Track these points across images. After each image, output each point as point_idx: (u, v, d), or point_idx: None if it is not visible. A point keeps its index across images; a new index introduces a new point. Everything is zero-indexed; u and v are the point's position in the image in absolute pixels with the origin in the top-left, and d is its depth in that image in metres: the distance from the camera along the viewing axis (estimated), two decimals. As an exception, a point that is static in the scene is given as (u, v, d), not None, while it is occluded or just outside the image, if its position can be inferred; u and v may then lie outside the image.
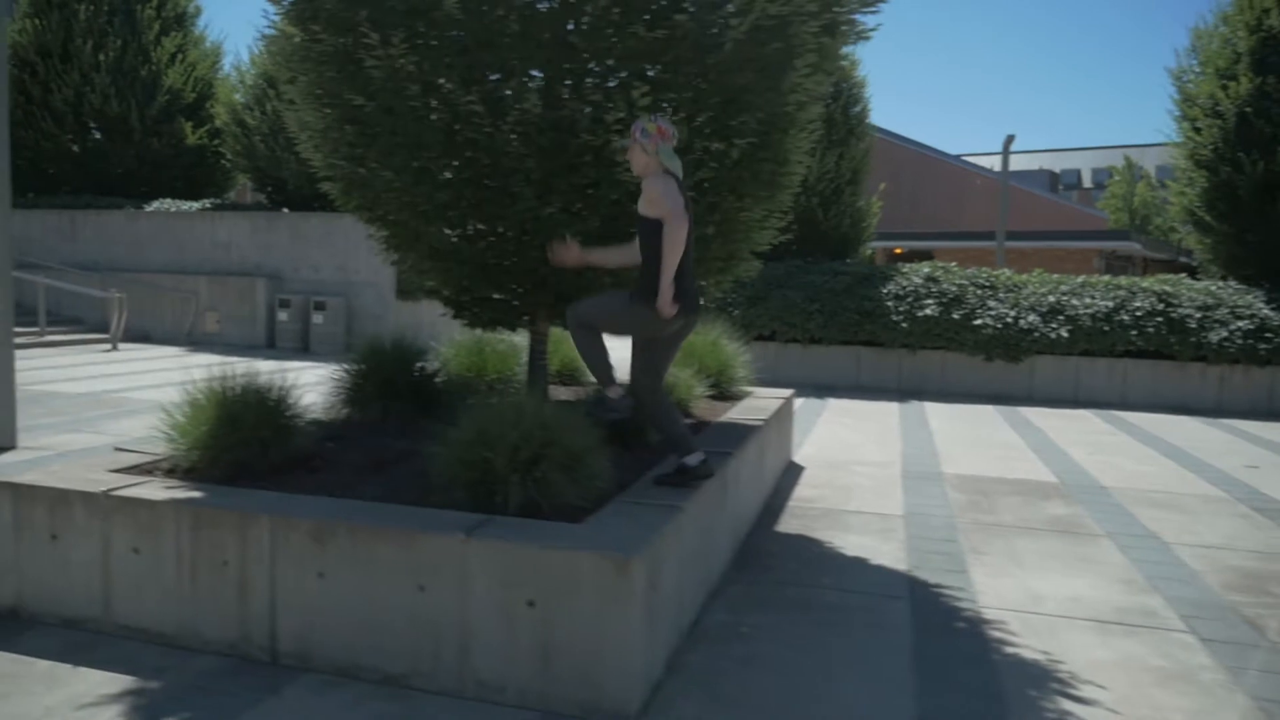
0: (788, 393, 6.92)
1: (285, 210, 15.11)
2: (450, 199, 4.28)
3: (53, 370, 10.63)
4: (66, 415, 7.68)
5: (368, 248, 14.12)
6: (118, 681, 2.93)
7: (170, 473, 3.58)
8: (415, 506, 3.21)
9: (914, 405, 10.58)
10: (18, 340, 12.99)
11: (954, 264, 12.45)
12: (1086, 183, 78.07)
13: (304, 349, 14.08)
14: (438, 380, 4.98)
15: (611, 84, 4.11)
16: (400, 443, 4.17)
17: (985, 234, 27.46)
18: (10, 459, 5.99)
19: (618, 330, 3.76)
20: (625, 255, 3.97)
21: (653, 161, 3.62)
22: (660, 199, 3.48)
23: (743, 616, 3.71)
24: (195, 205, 15.39)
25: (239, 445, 3.53)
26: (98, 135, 16.13)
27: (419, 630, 2.93)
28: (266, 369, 10.66)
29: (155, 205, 15.48)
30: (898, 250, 26.49)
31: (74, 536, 3.29)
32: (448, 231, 4.40)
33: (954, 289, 11.79)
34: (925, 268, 12.20)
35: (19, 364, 11.03)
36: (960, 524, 5.29)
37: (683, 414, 5.28)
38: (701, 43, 4.08)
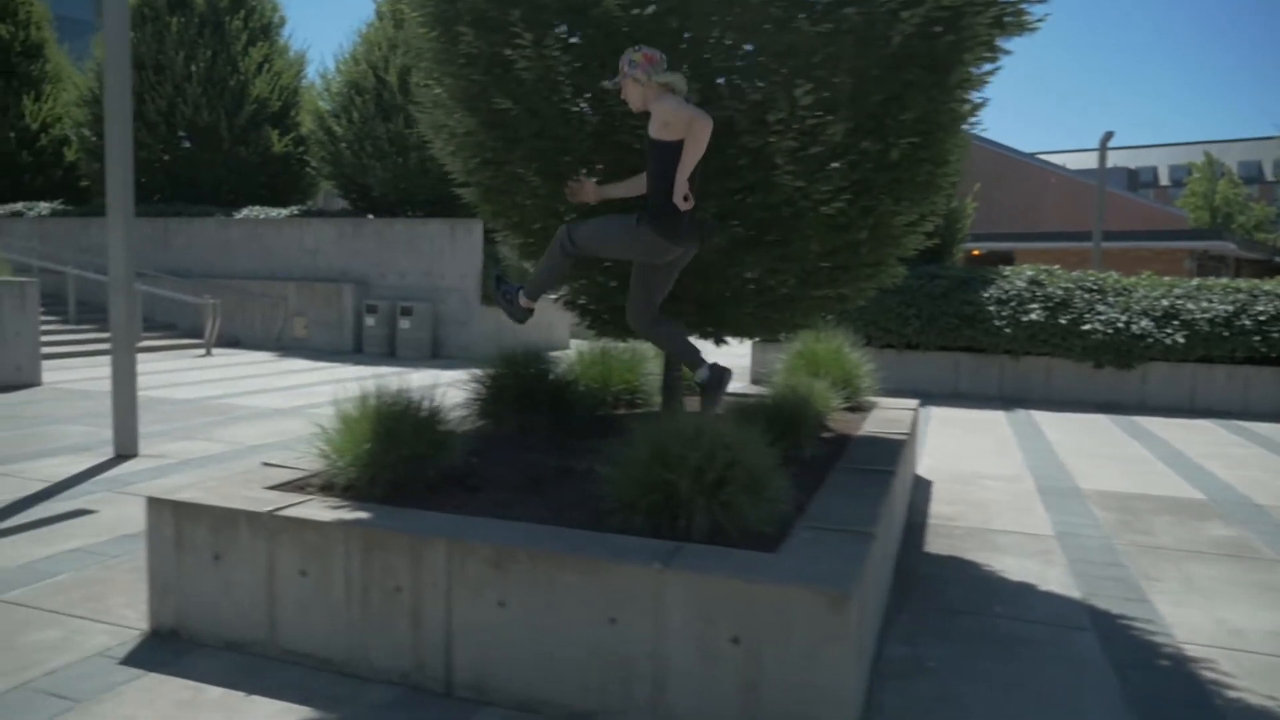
0: (914, 403, 6.63)
1: (371, 216, 15.22)
2: (598, 203, 4.11)
3: (154, 376, 10.79)
4: (176, 422, 7.74)
5: (453, 253, 14.15)
6: (294, 712, 2.80)
7: (325, 490, 3.46)
8: (591, 531, 3.04)
9: (1021, 414, 10.16)
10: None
11: (1057, 267, 11.97)
12: (1164, 180, 75.52)
13: (390, 354, 14.14)
14: (572, 391, 4.82)
15: (766, 83, 3.90)
16: (552, 459, 4.01)
17: (1065, 234, 26.60)
18: (135, 467, 6.01)
19: (616, 253, 3.76)
20: (640, 186, 3.87)
21: (650, 88, 3.58)
22: (676, 112, 3.41)
23: (922, 649, 3.46)
24: (283, 212, 15.59)
25: (399, 463, 3.40)
26: (187, 144, 16.44)
27: (608, 665, 2.75)
28: (364, 374, 10.70)
29: (244, 212, 15.72)
30: (976, 252, 25.79)
31: (238, 557, 3.19)
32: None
33: (1060, 293, 11.32)
34: (1029, 270, 11.74)
35: (91, 371, 11.24)
36: (1119, 546, 4.96)
37: (820, 427, 5.04)
38: (867, 37, 3.85)
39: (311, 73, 17.89)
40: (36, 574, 3.93)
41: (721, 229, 4.05)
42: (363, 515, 3.12)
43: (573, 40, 3.81)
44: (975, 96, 4.36)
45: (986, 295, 11.50)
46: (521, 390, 4.49)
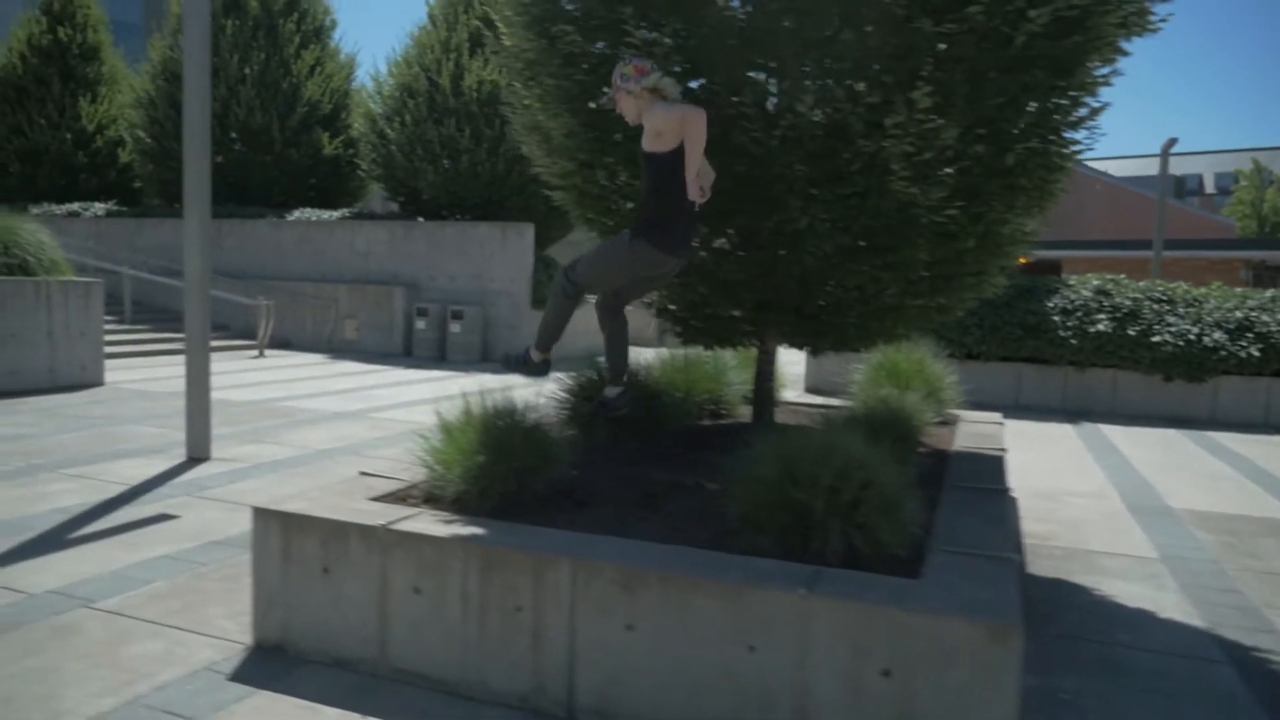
0: (997, 416, 6.43)
1: (421, 219, 15.22)
2: (705, 208, 3.99)
3: (214, 378, 10.79)
4: (243, 425, 7.71)
5: (503, 257, 14.10)
6: (415, 736, 2.70)
7: (431, 502, 3.36)
8: (714, 551, 2.91)
9: (1088, 428, 9.89)
10: (172, 346, 13.38)
11: (1123, 276, 11.67)
12: (1209, 188, 74.29)
13: (440, 357, 14.12)
14: (662, 402, 4.69)
15: (886, 82, 3.76)
16: (655, 473, 3.88)
17: (1113, 242, 26.11)
18: (209, 470, 5.96)
19: (618, 275, 3.76)
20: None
21: (641, 98, 3.54)
22: (666, 118, 3.39)
23: (1053, 680, 3.29)
24: (334, 214, 15.64)
25: (509, 475, 3.29)
26: (238, 146, 16.55)
27: (745, 695, 2.62)
28: (417, 378, 10.45)
29: (296, 214, 15.79)
30: (1023, 260, 25.41)
31: (348, 571, 3.09)
32: (697, 244, 4.10)
33: (1128, 303, 11.02)
34: (1094, 280, 11.45)
35: (178, 370, 11.29)
36: (1230, 571, 4.74)
37: (917, 441, 4.87)
38: (988, 37, 3.70)
39: (361, 75, 17.96)
40: (130, 582, 3.87)
41: (832, 234, 3.90)
42: (478, 531, 3.01)
43: (681, 39, 3.68)
44: (1093, 100, 4.18)
45: (1050, 305, 11.23)
46: (645, 400, 4.37)
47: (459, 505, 3.28)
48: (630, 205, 4.16)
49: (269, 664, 3.13)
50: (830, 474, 2.89)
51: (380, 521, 3.06)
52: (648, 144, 3.48)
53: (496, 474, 3.28)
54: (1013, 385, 11.53)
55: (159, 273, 15.39)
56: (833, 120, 3.73)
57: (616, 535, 3.05)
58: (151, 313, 15.37)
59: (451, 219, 15.18)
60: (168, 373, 11.05)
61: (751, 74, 3.78)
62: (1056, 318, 11.13)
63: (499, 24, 4.40)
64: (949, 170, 3.95)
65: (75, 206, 17.27)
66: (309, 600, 3.17)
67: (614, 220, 4.45)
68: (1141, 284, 11.41)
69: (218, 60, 16.46)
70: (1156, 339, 10.66)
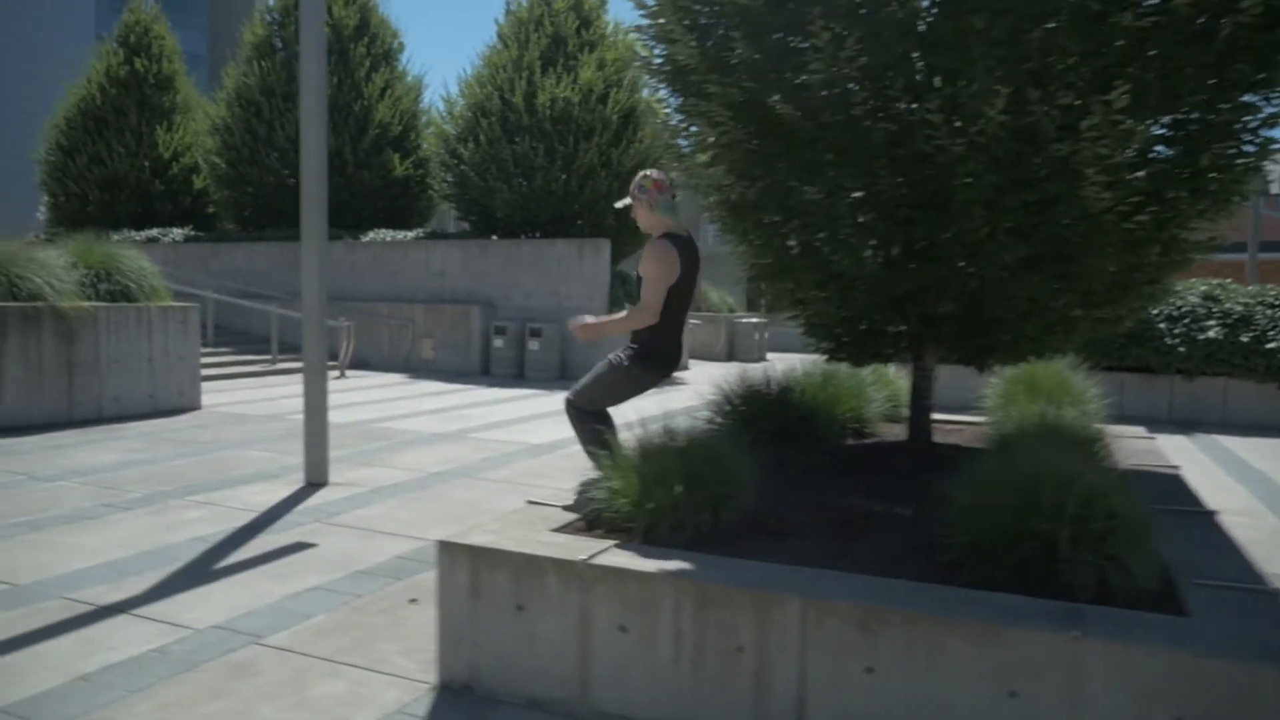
0: (1142, 430, 6.12)
1: (494, 237, 15.21)
2: (877, 219, 3.80)
3: (300, 400, 10.81)
4: (348, 448, 7.66)
5: (580, 274, 14.02)
6: (640, 787, 2.52)
7: (616, 533, 3.19)
8: (945, 586, 2.70)
9: (1203, 439, 9.46)
10: (255, 368, 13.50)
11: (1229, 280, 11.22)
12: (1275, 188, 71.87)
13: (518, 375, 14.07)
14: (819, 421, 4.50)
15: (1079, 85, 3.54)
16: (835, 498, 3.68)
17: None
18: (331, 496, 5.89)
19: (618, 398, 4.14)
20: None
21: (655, 219, 3.98)
22: (649, 263, 3.87)
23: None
24: (409, 235, 15.72)
25: (704, 506, 3.11)
26: (313, 170, 16.72)
27: (1007, 746, 2.40)
28: (502, 396, 10.45)
29: (370, 235, 15.90)
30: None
31: (545, 608, 2.94)
32: (867, 255, 3.91)
33: (1239, 309, 10.57)
34: (1201, 285, 11.02)
35: (268, 392, 11.35)
36: None
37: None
38: (1189, 31, 3.46)
39: (427, 96, 18.08)
40: (291, 616, 3.76)
41: (1014, 244, 3.68)
42: (685, 566, 2.84)
43: (860, 44, 3.50)
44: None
45: (1156, 312, 10.81)
46: (775, 421, 4.18)
47: (650, 537, 3.10)
48: (797, 216, 3.98)
49: (463, 706, 2.98)
50: (1075, 502, 2.67)
51: (579, 556, 2.91)
52: (641, 269, 3.93)
53: (690, 504, 3.11)
54: (1115, 395, 11.10)
55: (235, 295, 15.57)
56: (1022, 124, 3.52)
57: (830, 569, 2.85)
58: (231, 335, 15.55)
59: (524, 237, 15.16)
60: (258, 395, 11.11)
61: (935, 78, 3.59)
62: (1163, 325, 10.72)
63: (645, 34, 4.26)
64: (1140, 174, 3.72)
65: (154, 232, 17.60)
66: (500, 638, 3.02)
67: (765, 234, 4.28)
68: (1251, 289, 10.95)
69: (293, 86, 16.70)
70: (1272, 345, 10.19)
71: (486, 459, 7.33)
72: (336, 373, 13.73)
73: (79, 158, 18.57)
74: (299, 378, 13.46)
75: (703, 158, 4.36)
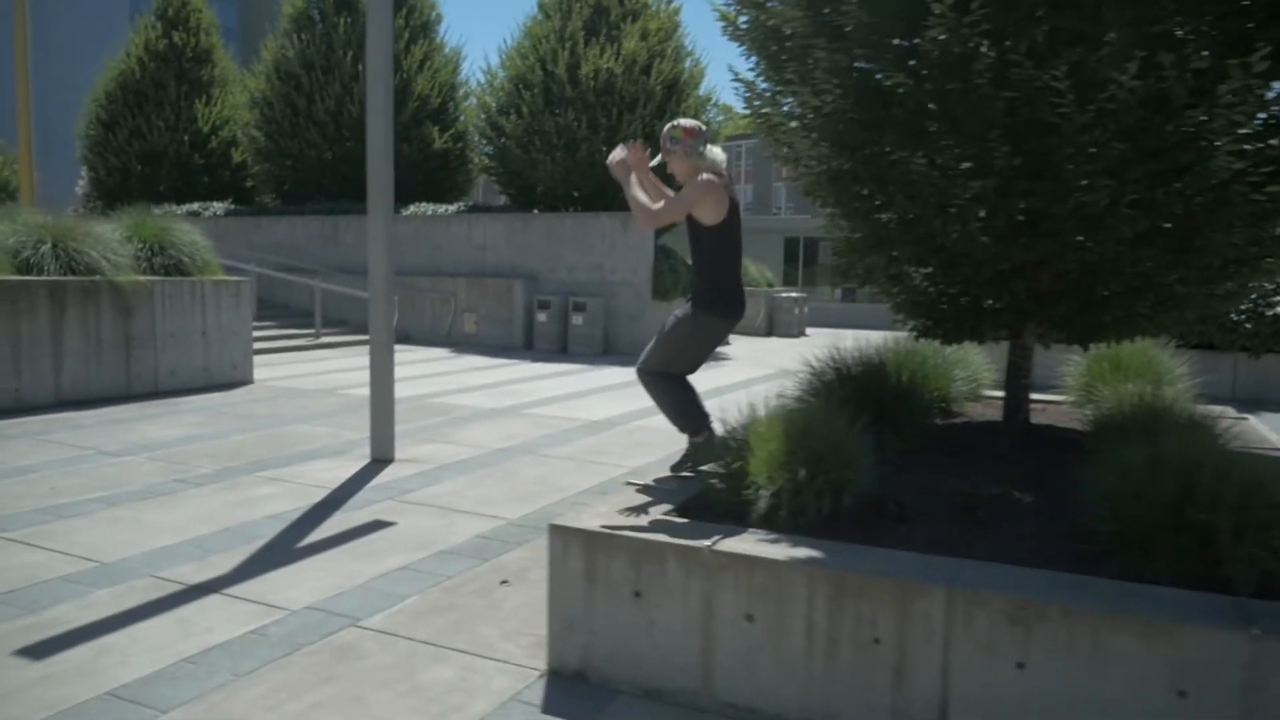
0: (1231, 411, 5.91)
1: (536, 211, 15.07)
2: (989, 190, 3.62)
3: (349, 374, 10.81)
4: (406, 423, 7.59)
5: (625, 247, 13.87)
6: (779, 784, 2.42)
7: (731, 518, 3.08)
8: (1089, 576, 2.56)
9: (1272, 418, 9.20)
10: (299, 342, 13.50)
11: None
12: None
13: (562, 350, 13.98)
14: (916, 400, 4.35)
15: (1215, 47, 3.33)
16: (948, 481, 3.54)
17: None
18: (400, 472, 5.83)
19: (691, 355, 3.85)
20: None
21: (690, 165, 3.76)
22: (689, 196, 3.63)
23: None
24: (450, 208, 15.62)
25: (826, 489, 2.99)
26: (349, 143, 16.63)
27: (1176, 748, 2.27)
28: (547, 372, 10.39)
29: (411, 209, 15.81)
30: None
31: (665, 596, 2.84)
32: (976, 227, 3.74)
33: (1310, 284, 10.25)
34: (1269, 260, 10.69)
35: (318, 366, 11.33)
36: None
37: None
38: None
39: (465, 69, 17.90)
40: (383, 597, 3.69)
41: (1138, 218, 3.50)
42: (815, 553, 2.72)
43: (985, 6, 3.31)
44: None
45: (1221, 287, 10.51)
46: (872, 400, 4.03)
47: (769, 522, 2.99)
48: (898, 192, 3.82)
49: (578, 696, 2.89)
50: (1235, 491, 2.52)
51: (703, 542, 2.80)
52: (695, 215, 3.71)
53: (813, 488, 2.99)
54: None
55: (276, 269, 15.57)
56: (1153, 90, 3.33)
57: (969, 558, 2.72)
58: (273, 308, 15.56)
59: (566, 210, 15.01)
60: (306, 369, 11.09)
61: (1061, 43, 3.39)
62: (1228, 301, 10.41)
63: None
64: (1274, 141, 3.52)
65: (195, 206, 17.62)
66: (616, 626, 2.92)
67: (861, 210, 4.11)
68: (1321, 263, 10.61)
69: (332, 58, 16.58)
70: (1345, 322, 9.88)
71: (547, 435, 7.24)
72: (380, 347, 13.70)
73: (119, 132, 18.59)
74: (344, 351, 13.49)
75: (794, 125, 4.20)
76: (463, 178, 18.08)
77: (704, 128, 3.80)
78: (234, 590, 3.72)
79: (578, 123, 14.28)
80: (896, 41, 3.66)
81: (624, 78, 14.33)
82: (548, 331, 13.99)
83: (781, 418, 3.24)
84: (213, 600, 3.61)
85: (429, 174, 17.39)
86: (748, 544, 2.79)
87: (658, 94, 14.53)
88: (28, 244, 7.88)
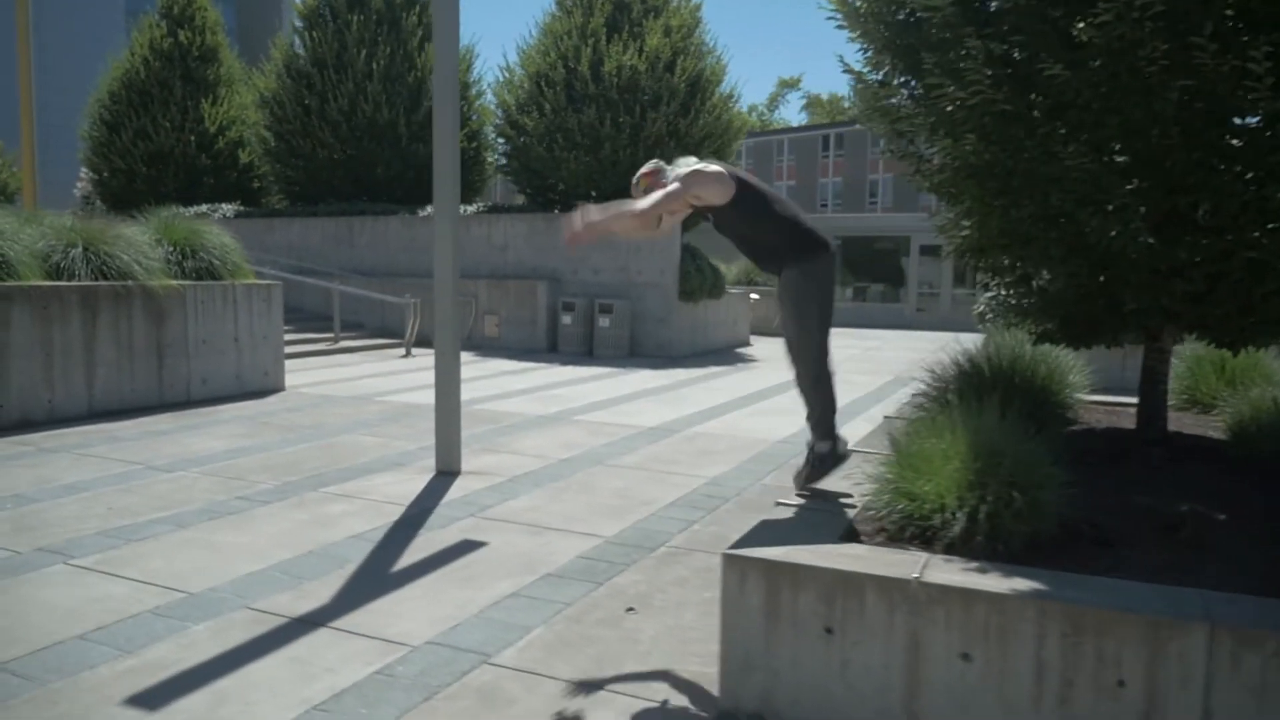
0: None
1: (557, 211, 14.78)
2: (1160, 185, 3.36)
3: (379, 380, 10.50)
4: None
5: (650, 248, 13.58)
6: None
7: (917, 543, 2.81)
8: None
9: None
10: (317, 346, 13.17)
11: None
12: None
13: (588, 353, 13.68)
14: (1050, 406, 4.09)
15: None
16: (1130, 496, 3.27)
17: None
18: (472, 485, 5.53)
19: (827, 314, 3.58)
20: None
21: (659, 180, 3.53)
22: (680, 184, 3.40)
23: None
24: (470, 209, 15.31)
25: (1029, 512, 2.72)
26: (363, 143, 16.30)
27: None
28: (583, 375, 9.90)
29: (429, 210, 15.47)
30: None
31: (862, 632, 2.56)
32: (1138, 225, 3.47)
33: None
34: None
35: (344, 371, 11.01)
36: None
37: None
38: None
39: (478, 67, 17.58)
40: (503, 628, 3.40)
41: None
42: (1039, 585, 2.45)
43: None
44: None
45: None
46: (1028, 406, 3.76)
47: (963, 549, 2.72)
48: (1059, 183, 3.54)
49: (763, 742, 2.61)
50: None
51: (910, 574, 2.52)
52: (706, 204, 3.50)
53: (1011, 511, 2.71)
54: None
55: (289, 271, 15.20)
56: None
57: (1212, 589, 2.46)
58: (288, 312, 15.13)
59: (588, 210, 14.72)
60: (334, 375, 10.77)
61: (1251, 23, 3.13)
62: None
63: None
64: None
65: (203, 208, 17.24)
66: (803, 665, 2.64)
67: (1000, 205, 3.85)
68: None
69: (345, 56, 16.25)
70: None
71: (608, 444, 6.96)
72: (402, 351, 13.39)
73: (124, 132, 18.17)
74: (364, 356, 13.17)
75: (920, 118, 3.93)
76: (477, 178, 17.75)
77: (662, 165, 3.64)
78: (341, 623, 3.42)
79: (601, 120, 13.99)
80: (1056, 28, 3.38)
81: (647, 75, 14.05)
82: (573, 334, 13.69)
83: (959, 432, 2.97)
84: (322, 636, 3.31)
85: (443, 174, 17.05)
86: (959, 575, 2.52)
87: (681, 91, 14.25)
88: (57, 248, 7.54)
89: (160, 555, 4.15)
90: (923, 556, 2.67)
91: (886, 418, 5.23)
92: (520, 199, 16.35)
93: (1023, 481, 2.77)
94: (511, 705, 2.81)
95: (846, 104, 66.23)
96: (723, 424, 7.99)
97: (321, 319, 14.62)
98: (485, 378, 10.93)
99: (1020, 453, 2.86)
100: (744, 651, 2.71)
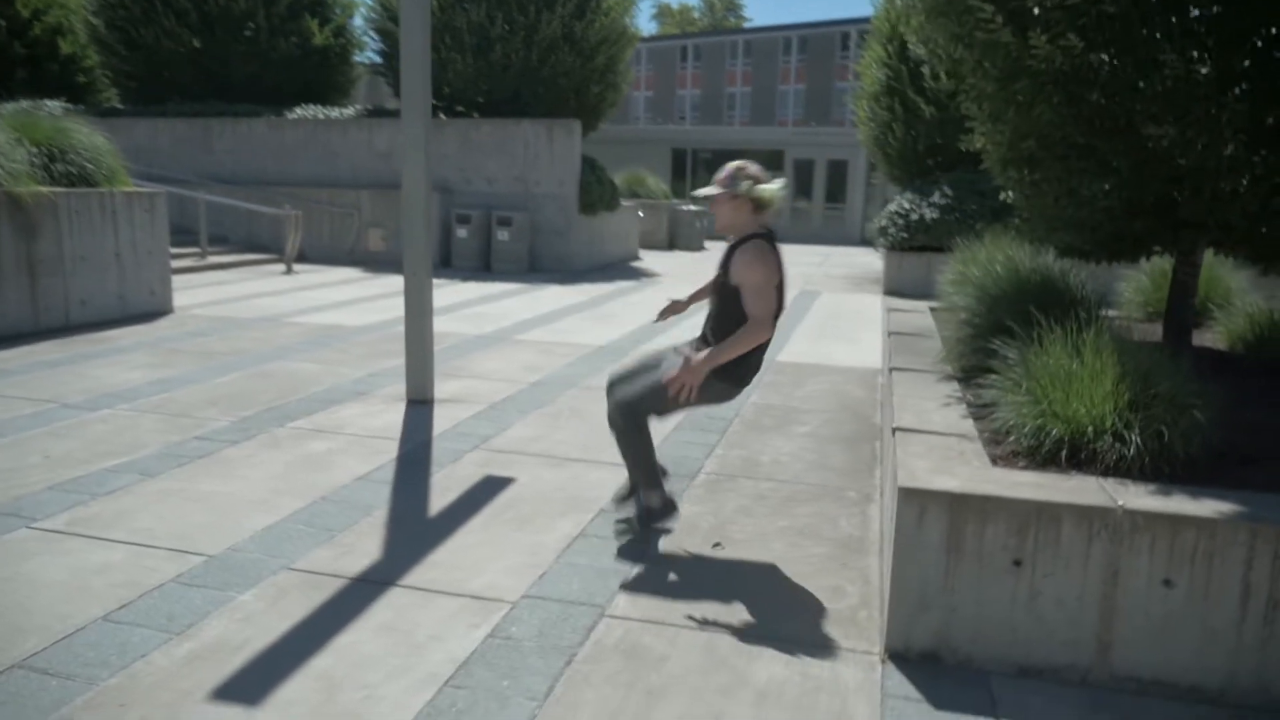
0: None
1: (443, 116, 13.81)
2: (1246, 97, 3.31)
3: (279, 299, 9.59)
4: (398, 357, 6.72)
5: (550, 157, 12.99)
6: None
7: (1057, 464, 2.70)
8: None
9: None
10: (183, 263, 11.92)
11: None
12: None
13: (484, 268, 13.04)
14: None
15: None
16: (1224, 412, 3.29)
17: None
18: (457, 414, 5.09)
19: (678, 407, 3.24)
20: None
21: (749, 220, 3.19)
22: (751, 269, 3.10)
23: None
24: (348, 112, 14.08)
25: (1191, 432, 2.66)
26: (218, 34, 14.60)
27: None
28: (492, 292, 9.42)
29: (300, 112, 14.15)
30: None
31: (1056, 563, 2.44)
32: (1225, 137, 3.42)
33: None
34: None
35: (226, 290, 10.00)
36: None
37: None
38: None
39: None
40: (598, 574, 3.12)
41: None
42: (1241, 508, 2.39)
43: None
44: None
45: None
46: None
47: (1123, 470, 2.64)
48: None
49: (953, 682, 2.48)
50: None
51: (1116, 501, 2.41)
52: (744, 277, 3.13)
53: (1177, 430, 2.65)
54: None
55: (137, 179, 13.57)
56: None
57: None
58: (139, 226, 13.63)
59: (478, 116, 13.84)
60: (222, 294, 9.73)
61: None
62: None
63: None
64: None
65: (23, 104, 15.02)
66: (987, 599, 2.51)
67: (1066, 111, 3.72)
68: None
69: (188, -69, 14.35)
70: None
71: (568, 365, 6.61)
72: (283, 268, 12.31)
73: (-87, 14, 15.49)
74: (241, 274, 12.03)
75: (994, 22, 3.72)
76: (344, 78, 16.34)
77: (762, 170, 3.21)
78: (411, 581, 3.02)
79: (491, 20, 13.06)
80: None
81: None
82: (468, 248, 12.99)
83: (1104, 352, 2.87)
84: (399, 597, 2.91)
85: (309, 73, 15.58)
86: (1162, 501, 2.42)
87: (576, -10, 13.47)
88: (-107, 148, 6.28)
89: (144, 511, 3.56)
90: (1097, 481, 2.57)
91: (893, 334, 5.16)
92: (395, 104, 15.16)
93: (1184, 400, 2.70)
94: (664, 662, 2.55)
95: (697, 14, 65.47)
96: (673, 338, 7.77)
97: (179, 232, 13.17)
98: (388, 296, 10.20)
99: (1171, 371, 2.78)
100: (919, 589, 2.55)
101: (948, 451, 2.83)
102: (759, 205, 3.19)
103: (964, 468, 2.68)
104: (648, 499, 3.40)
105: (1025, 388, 2.93)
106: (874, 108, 13.05)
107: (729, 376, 3.25)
